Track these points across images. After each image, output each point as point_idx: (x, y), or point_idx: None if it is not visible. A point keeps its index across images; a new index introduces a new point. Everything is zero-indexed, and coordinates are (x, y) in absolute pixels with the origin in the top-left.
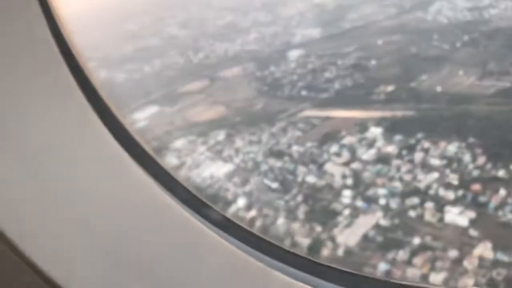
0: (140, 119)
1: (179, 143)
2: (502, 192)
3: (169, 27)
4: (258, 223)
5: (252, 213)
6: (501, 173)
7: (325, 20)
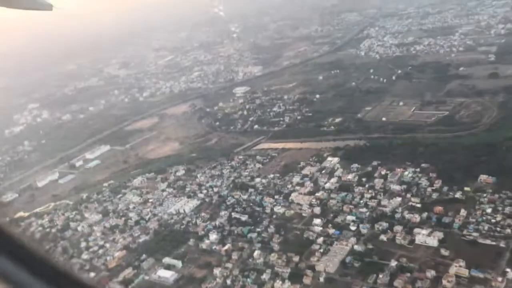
0: (91, 158)
1: (137, 181)
2: (463, 212)
3: (108, 67)
4: (235, 256)
5: (227, 247)
6: (458, 194)
7: (263, 59)
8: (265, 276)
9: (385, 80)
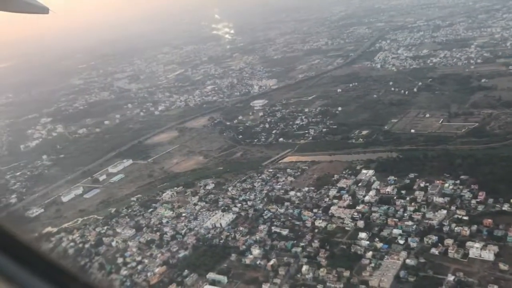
0: (115, 172)
1: (167, 195)
2: None
3: (118, 81)
4: (282, 271)
5: (272, 261)
6: (505, 207)
7: (277, 72)
8: None
9: (406, 92)
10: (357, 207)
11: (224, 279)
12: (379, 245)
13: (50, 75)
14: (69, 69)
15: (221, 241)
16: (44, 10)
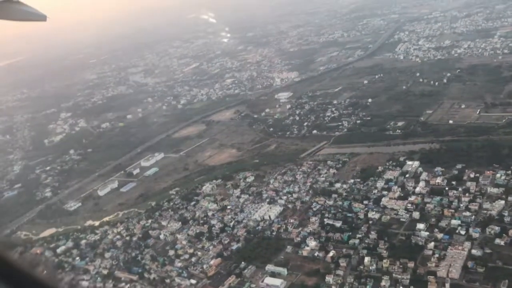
0: (148, 166)
1: (207, 188)
2: None
3: (134, 75)
4: (343, 263)
5: (331, 253)
6: None
7: (296, 64)
8: (384, 283)
9: (436, 83)
10: (409, 199)
11: (284, 271)
12: (440, 235)
13: (61, 70)
14: (80, 64)
15: (273, 233)
16: (42, 17)
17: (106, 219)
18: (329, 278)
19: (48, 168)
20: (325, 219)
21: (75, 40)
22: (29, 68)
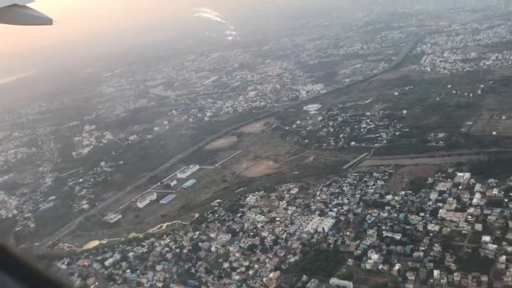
0: (184, 178)
1: (250, 199)
2: None
3: (154, 88)
4: (411, 276)
5: (397, 266)
6: None
7: (319, 76)
8: None
9: (471, 95)
10: (468, 211)
11: (350, 284)
12: (510, 248)
13: (77, 83)
14: (94, 78)
15: (330, 246)
16: (48, 21)
17: (150, 231)
18: None
19: (81, 180)
20: (383, 232)
21: (85, 53)
22: (44, 81)
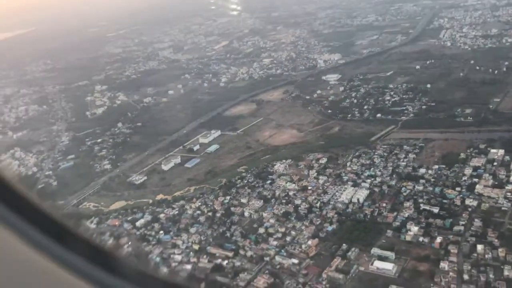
0: (206, 143)
1: (279, 167)
2: None
3: (163, 51)
4: (453, 250)
5: (439, 239)
6: None
7: (336, 46)
8: (507, 273)
9: (496, 71)
10: (506, 187)
11: (391, 255)
12: None
13: (80, 43)
14: (97, 38)
15: (367, 217)
16: None
17: (178, 194)
18: (444, 265)
19: (99, 140)
20: (420, 205)
21: (86, 13)
22: (45, 39)
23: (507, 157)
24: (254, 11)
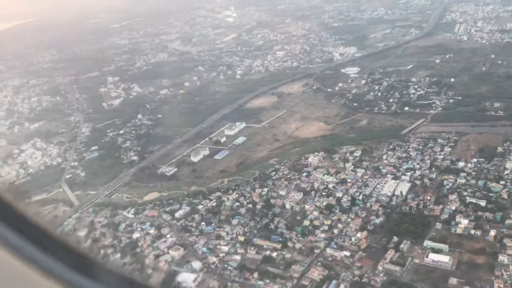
0: (232, 135)
1: (313, 160)
2: None
3: (172, 43)
4: (509, 243)
5: (493, 232)
6: None
7: (349, 40)
8: None
9: None
10: None
11: (445, 247)
12: None
13: (83, 33)
14: (100, 29)
15: (413, 209)
16: None
17: (212, 185)
18: (503, 258)
19: (121, 132)
20: (466, 198)
21: (84, 3)
22: (46, 29)
23: None
24: (259, 3)
